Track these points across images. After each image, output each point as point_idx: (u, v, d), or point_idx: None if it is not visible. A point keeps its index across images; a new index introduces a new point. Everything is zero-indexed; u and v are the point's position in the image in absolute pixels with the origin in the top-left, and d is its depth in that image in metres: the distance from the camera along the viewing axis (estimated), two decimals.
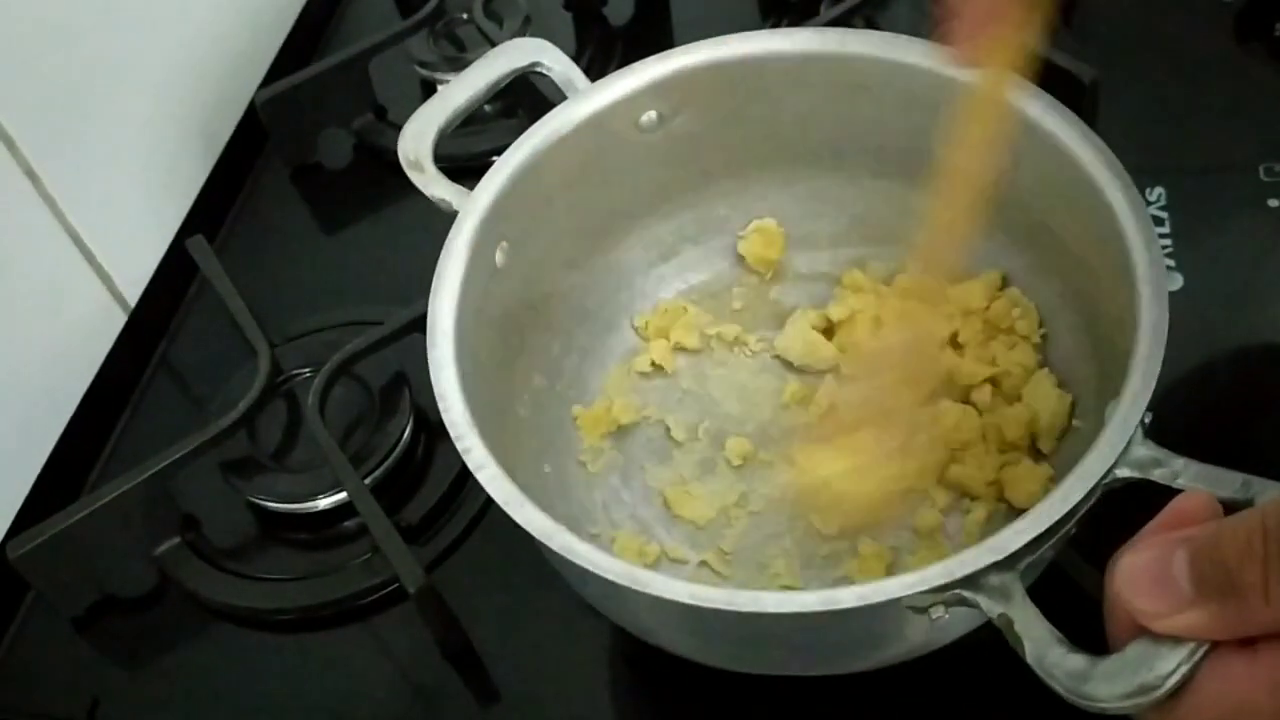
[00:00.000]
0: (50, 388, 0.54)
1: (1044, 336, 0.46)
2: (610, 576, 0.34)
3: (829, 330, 0.49)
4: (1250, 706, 0.26)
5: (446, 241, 0.42)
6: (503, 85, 0.48)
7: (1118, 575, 0.27)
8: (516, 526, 0.36)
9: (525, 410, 0.46)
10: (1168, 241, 0.52)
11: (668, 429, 0.48)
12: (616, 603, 0.38)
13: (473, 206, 0.43)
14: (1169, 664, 0.27)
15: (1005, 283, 0.47)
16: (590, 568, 0.34)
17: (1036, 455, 0.44)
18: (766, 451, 0.47)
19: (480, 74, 0.48)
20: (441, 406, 0.38)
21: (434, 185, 0.45)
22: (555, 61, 0.48)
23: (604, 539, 0.45)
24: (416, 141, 0.46)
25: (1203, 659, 0.27)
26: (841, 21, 0.58)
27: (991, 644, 0.32)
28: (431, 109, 0.47)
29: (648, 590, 0.33)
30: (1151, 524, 0.29)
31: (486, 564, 0.47)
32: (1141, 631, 0.27)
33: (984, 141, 0.39)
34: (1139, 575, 0.27)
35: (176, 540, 0.49)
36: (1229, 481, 0.31)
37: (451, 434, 0.38)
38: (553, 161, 0.45)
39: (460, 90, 0.47)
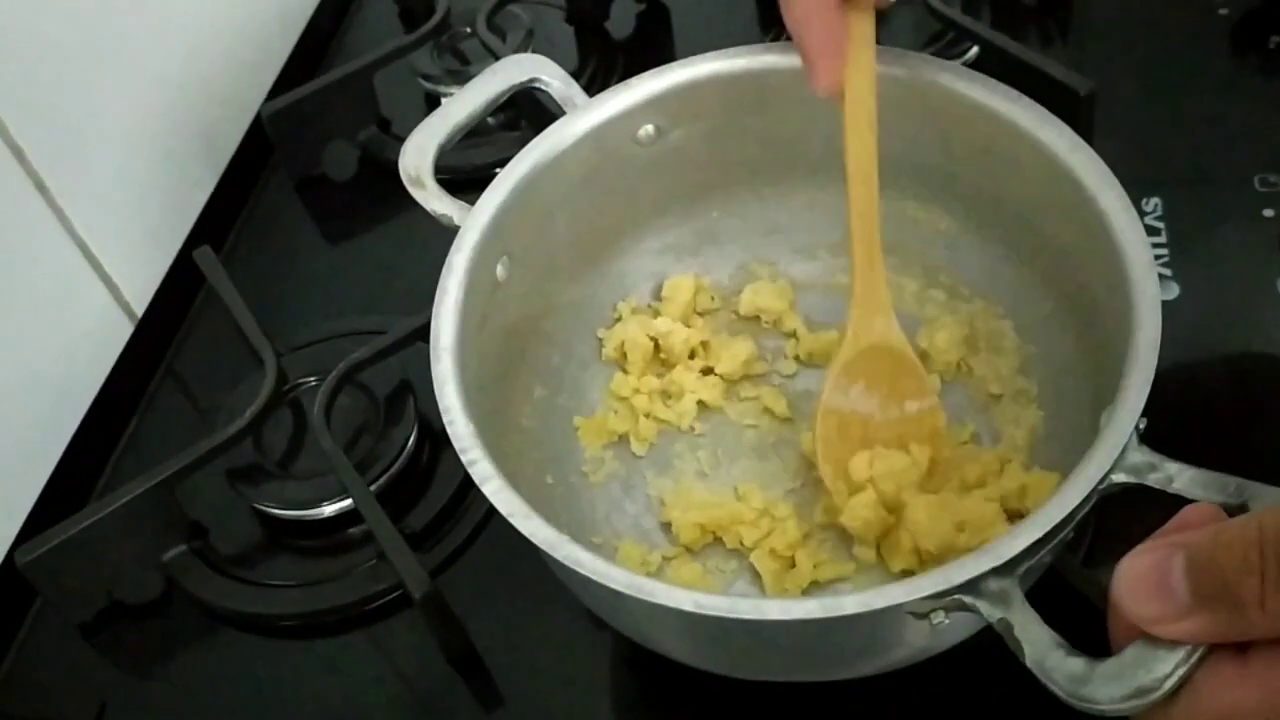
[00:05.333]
0: (58, 396, 0.54)
1: (1041, 343, 0.46)
2: (615, 586, 0.34)
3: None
4: (1242, 710, 0.27)
5: (448, 257, 0.43)
6: (502, 100, 0.49)
7: (1118, 582, 0.28)
8: (521, 535, 0.36)
9: (527, 421, 0.47)
10: (1164, 251, 0.53)
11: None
12: (620, 612, 0.39)
13: (473, 222, 0.44)
14: (1166, 666, 0.28)
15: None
16: (595, 577, 0.34)
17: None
18: (763, 459, 0.48)
19: (479, 90, 0.48)
20: (446, 420, 0.39)
21: (435, 201, 0.45)
22: (554, 77, 0.49)
23: (607, 548, 0.45)
24: (417, 157, 0.46)
25: (1199, 661, 0.27)
26: None
27: (991, 647, 0.32)
28: (431, 125, 0.47)
29: (651, 599, 0.34)
30: (1157, 534, 0.29)
31: (491, 570, 0.47)
32: (1142, 633, 0.28)
33: (870, 140, 0.42)
34: (1138, 582, 0.28)
35: (183, 547, 0.49)
36: (1223, 486, 0.31)
37: (456, 448, 0.38)
38: (552, 176, 0.46)
39: (460, 106, 0.48)
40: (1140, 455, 0.34)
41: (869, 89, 0.42)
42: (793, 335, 0.51)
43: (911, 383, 0.45)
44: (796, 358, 0.50)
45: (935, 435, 0.45)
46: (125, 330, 0.59)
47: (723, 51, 0.47)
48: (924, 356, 0.48)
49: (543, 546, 0.36)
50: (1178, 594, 0.27)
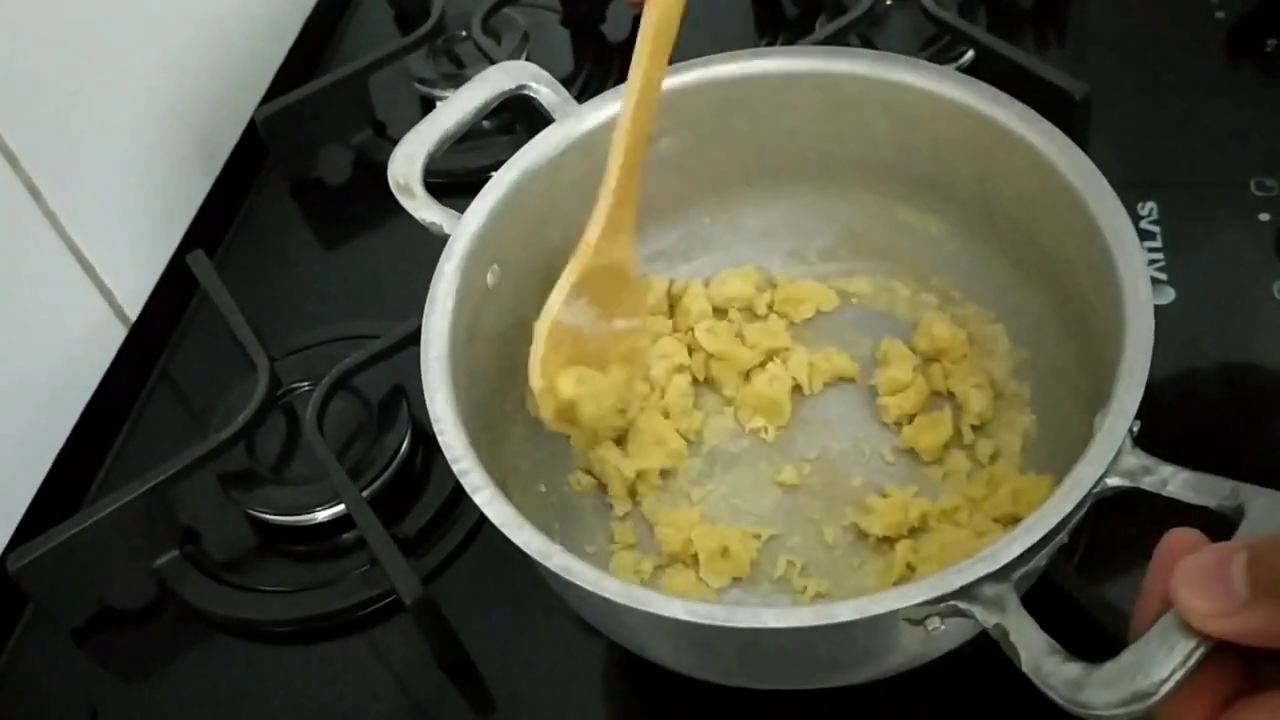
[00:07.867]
0: (51, 401, 0.54)
1: (1034, 347, 0.46)
2: (609, 595, 0.34)
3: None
4: None
5: (438, 265, 0.43)
6: (492, 108, 0.48)
7: (1177, 573, 0.27)
8: (514, 543, 0.36)
9: (519, 430, 0.47)
10: (1159, 255, 0.53)
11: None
12: (614, 621, 0.39)
13: (463, 230, 0.44)
14: (1164, 671, 0.27)
15: None
16: (588, 587, 0.34)
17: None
18: (757, 465, 0.48)
19: (469, 98, 0.48)
20: (437, 429, 0.38)
21: (424, 210, 0.45)
22: (542, 83, 0.49)
23: (600, 556, 0.45)
24: (406, 166, 0.46)
25: (1197, 665, 0.27)
26: (836, 39, 0.59)
27: (987, 653, 0.32)
28: (421, 133, 0.47)
29: (646, 608, 0.33)
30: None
31: (483, 576, 0.47)
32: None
33: (663, 63, 0.42)
34: (1197, 574, 0.27)
35: (176, 553, 0.49)
36: (1218, 489, 0.31)
37: (448, 457, 0.38)
38: (542, 184, 0.46)
39: (448, 114, 0.48)
40: (1134, 459, 0.33)
41: (676, 8, 0.41)
42: (769, 287, 0.51)
43: (628, 301, 0.46)
44: (770, 306, 0.51)
45: (634, 355, 0.47)
46: (119, 334, 0.58)
47: (712, 57, 0.47)
48: None
49: (535, 556, 0.35)
50: (1235, 586, 0.26)
